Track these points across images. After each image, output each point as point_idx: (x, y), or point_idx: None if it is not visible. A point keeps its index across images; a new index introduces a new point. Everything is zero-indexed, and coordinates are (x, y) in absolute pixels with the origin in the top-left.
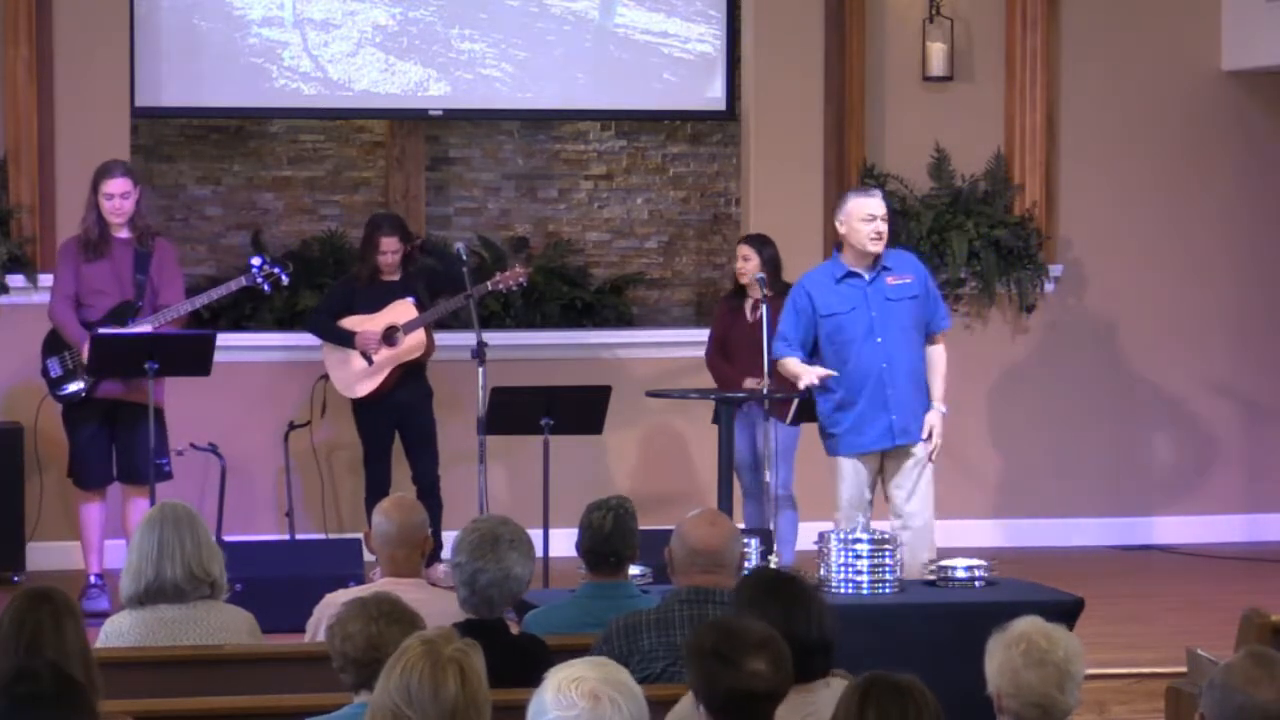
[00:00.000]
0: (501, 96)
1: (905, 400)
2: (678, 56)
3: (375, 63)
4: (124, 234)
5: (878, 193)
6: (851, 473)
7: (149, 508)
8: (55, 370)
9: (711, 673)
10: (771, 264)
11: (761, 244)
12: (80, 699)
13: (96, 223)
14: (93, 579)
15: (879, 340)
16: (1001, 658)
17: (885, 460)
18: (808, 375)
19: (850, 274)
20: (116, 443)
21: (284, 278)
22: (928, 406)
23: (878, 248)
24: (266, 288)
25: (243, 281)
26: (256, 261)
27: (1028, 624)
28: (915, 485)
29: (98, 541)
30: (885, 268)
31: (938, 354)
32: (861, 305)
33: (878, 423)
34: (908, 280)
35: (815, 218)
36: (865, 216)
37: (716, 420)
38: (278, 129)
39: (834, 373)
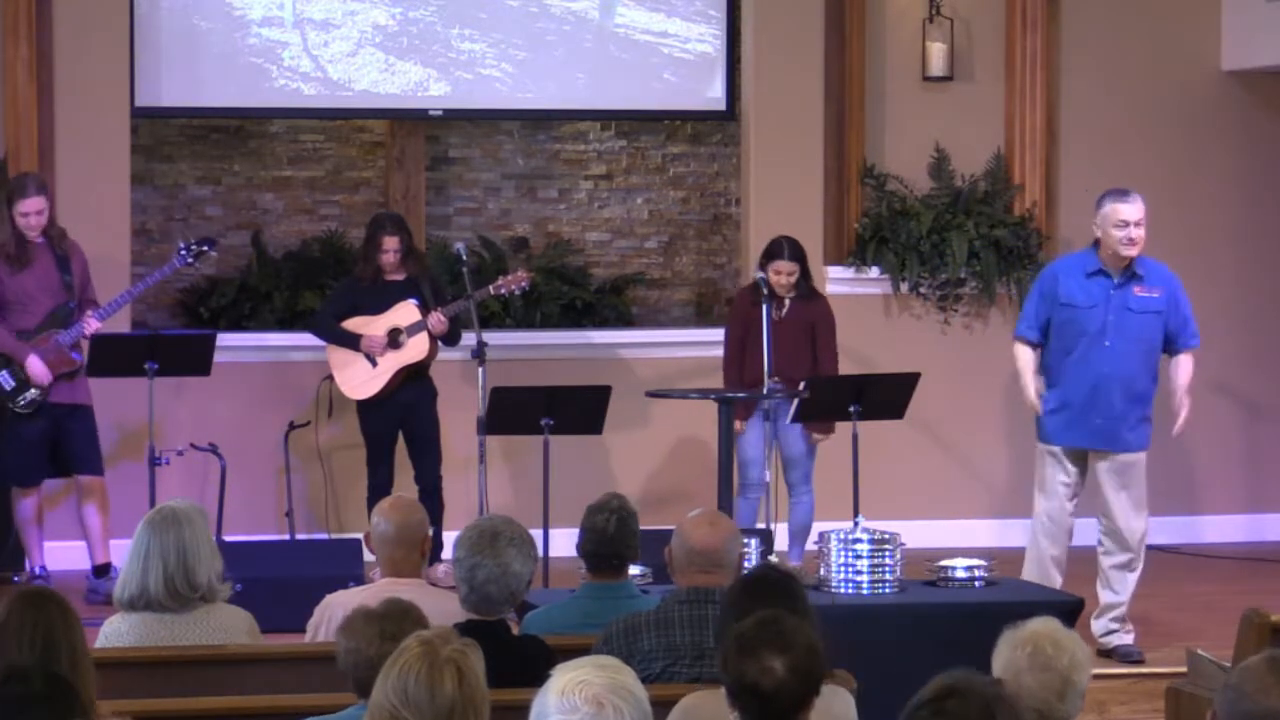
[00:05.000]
0: (501, 96)
1: (1114, 408)
2: (678, 56)
3: (375, 63)
4: (40, 238)
5: (1135, 198)
6: (1053, 462)
7: (101, 497)
8: (8, 383)
9: (728, 657)
10: (806, 271)
11: (800, 255)
12: (71, 699)
13: (12, 235)
14: (39, 569)
15: (1107, 344)
16: (1007, 656)
17: (1094, 462)
18: (1029, 388)
19: (1101, 271)
20: (63, 440)
21: (211, 252)
22: (1139, 419)
23: (1130, 253)
24: (196, 265)
25: (175, 264)
26: (182, 245)
27: (1040, 626)
28: (1117, 492)
29: (40, 535)
30: (1137, 275)
31: (1183, 360)
32: (1101, 305)
33: (1087, 423)
34: (1155, 294)
35: (815, 218)
36: (1118, 222)
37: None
38: (278, 129)
39: (1038, 407)
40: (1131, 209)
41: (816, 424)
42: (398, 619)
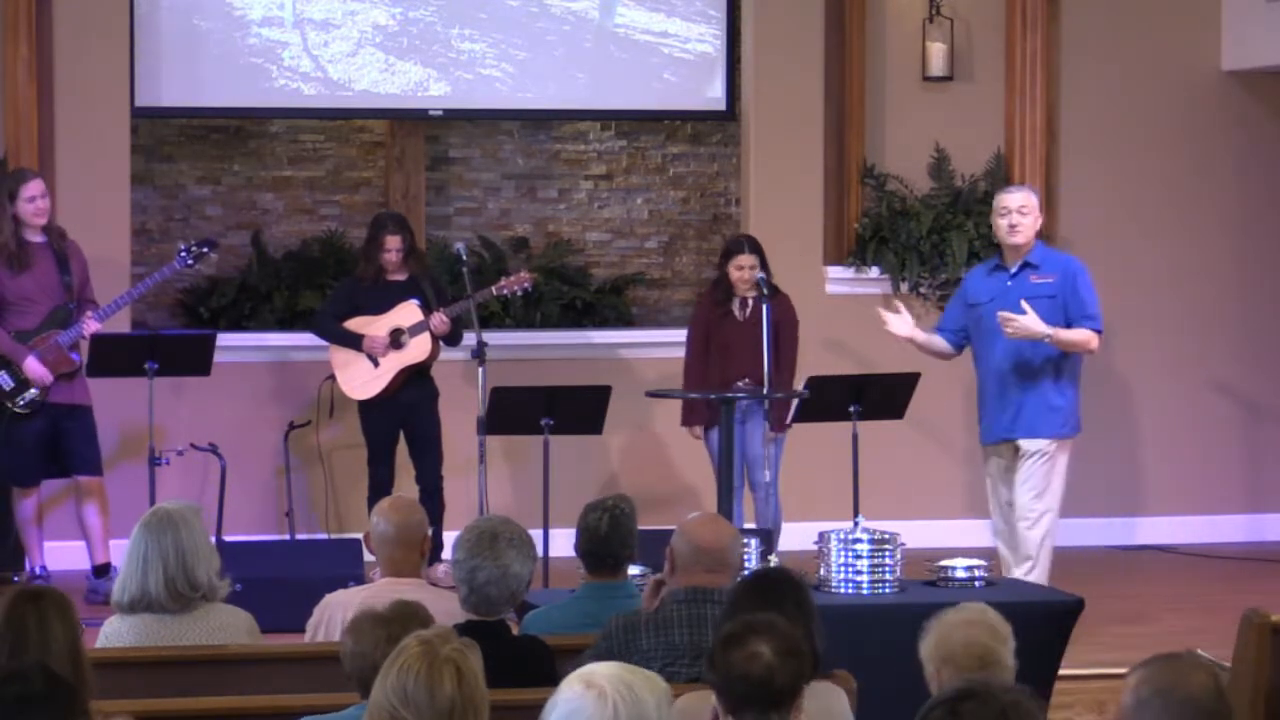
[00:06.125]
0: (501, 96)
1: (1016, 396)
2: (678, 56)
3: (375, 63)
4: (39, 238)
5: (1017, 188)
6: (988, 465)
7: (101, 497)
8: (7, 384)
9: (715, 655)
10: (766, 266)
11: (759, 249)
12: (70, 699)
13: (13, 234)
14: (39, 569)
15: (1006, 334)
16: (936, 632)
17: (1017, 456)
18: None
19: (1000, 266)
20: (62, 441)
21: (211, 254)
22: (1046, 405)
23: (1012, 239)
24: (197, 267)
25: (175, 266)
26: (182, 247)
27: (953, 607)
28: (1018, 485)
29: (40, 535)
30: (1032, 265)
31: (1080, 329)
32: (999, 297)
33: (1001, 417)
34: (1049, 280)
35: (815, 218)
36: (1000, 210)
37: (685, 424)
38: (278, 129)
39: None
40: (1012, 197)
41: (777, 422)
42: (404, 622)
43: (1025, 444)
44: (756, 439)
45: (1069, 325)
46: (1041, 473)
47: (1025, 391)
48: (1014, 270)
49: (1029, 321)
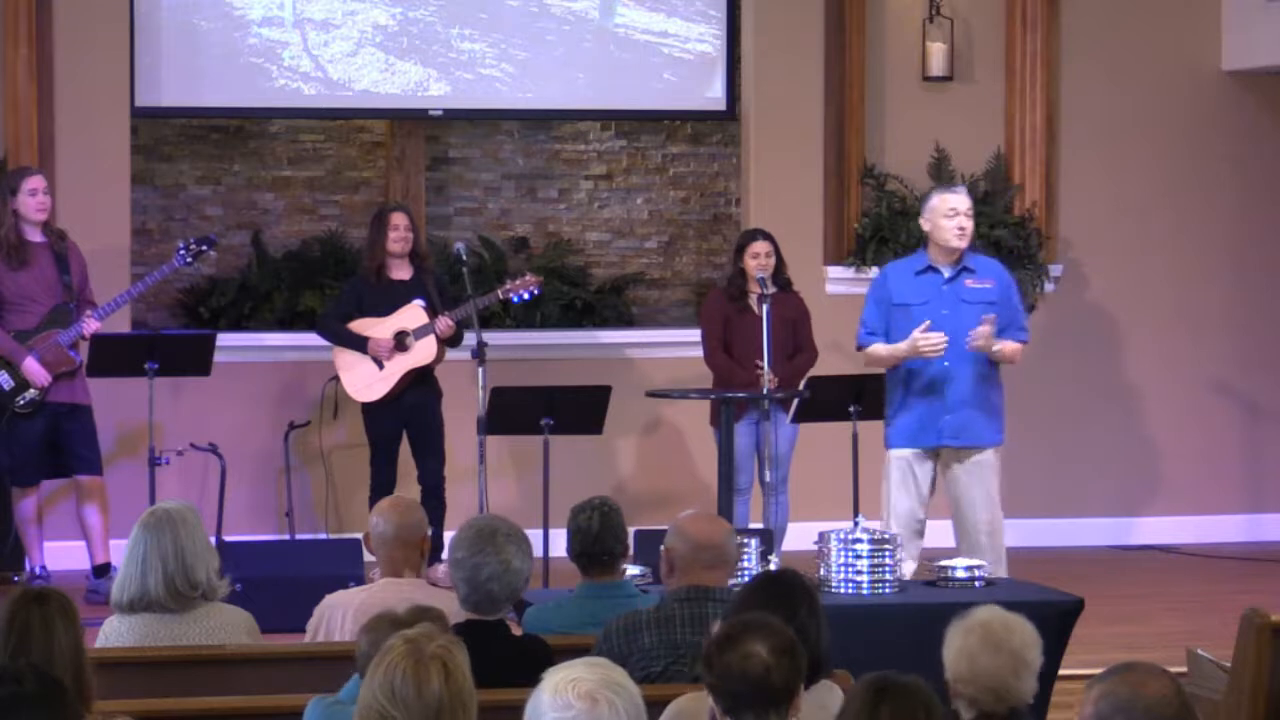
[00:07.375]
0: (501, 96)
1: (963, 402)
2: (678, 56)
3: (375, 63)
4: (39, 237)
5: (962, 189)
6: (903, 466)
7: (101, 497)
8: (6, 384)
9: (711, 657)
10: (780, 256)
11: (771, 238)
12: (63, 701)
13: (14, 227)
14: (39, 569)
15: (945, 338)
16: (959, 644)
17: (945, 460)
18: (909, 343)
19: (930, 268)
20: (62, 440)
21: (210, 252)
22: (988, 412)
23: (961, 243)
24: (196, 265)
25: (174, 264)
26: (181, 245)
27: (986, 612)
28: (968, 491)
29: (40, 535)
30: (968, 269)
31: (1011, 341)
32: (934, 300)
33: (934, 420)
34: (987, 285)
35: (815, 217)
36: (948, 211)
37: (714, 422)
38: (278, 129)
39: (941, 337)
40: (961, 199)
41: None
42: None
43: (976, 455)
44: (774, 437)
45: (999, 332)
46: (995, 484)
47: (972, 397)
48: (949, 275)
49: (989, 339)
